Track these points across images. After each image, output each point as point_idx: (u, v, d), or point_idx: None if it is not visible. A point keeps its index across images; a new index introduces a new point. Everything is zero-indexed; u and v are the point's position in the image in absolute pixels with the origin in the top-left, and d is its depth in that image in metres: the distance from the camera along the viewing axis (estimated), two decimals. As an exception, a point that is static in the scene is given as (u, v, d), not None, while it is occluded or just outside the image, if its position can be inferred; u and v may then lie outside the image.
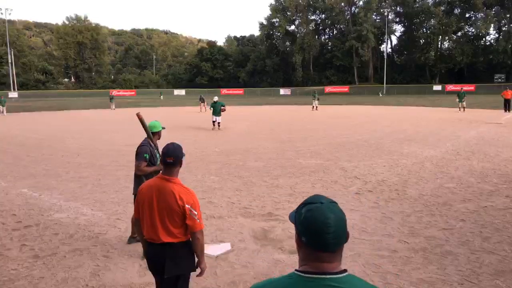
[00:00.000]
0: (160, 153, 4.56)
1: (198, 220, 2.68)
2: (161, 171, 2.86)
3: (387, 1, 79.27)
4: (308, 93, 65.14)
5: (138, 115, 4.46)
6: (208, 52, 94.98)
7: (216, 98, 18.92)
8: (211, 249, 4.65)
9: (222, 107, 18.19)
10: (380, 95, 61.86)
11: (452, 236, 4.95)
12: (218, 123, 18.10)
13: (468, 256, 4.37)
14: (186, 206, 2.63)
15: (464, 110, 26.10)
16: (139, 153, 4.45)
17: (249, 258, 4.45)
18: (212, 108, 18.53)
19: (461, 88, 26.06)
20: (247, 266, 4.27)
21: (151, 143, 4.54)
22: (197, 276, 2.88)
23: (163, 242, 2.69)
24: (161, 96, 63.56)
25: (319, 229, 1.16)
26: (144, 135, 4.61)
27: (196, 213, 2.67)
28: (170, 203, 2.65)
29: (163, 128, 4.77)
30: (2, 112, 29.86)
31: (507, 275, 3.92)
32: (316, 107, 31.98)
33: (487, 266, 4.12)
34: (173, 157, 2.75)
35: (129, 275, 4.09)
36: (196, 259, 2.80)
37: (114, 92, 62.66)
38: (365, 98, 53.38)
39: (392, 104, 38.22)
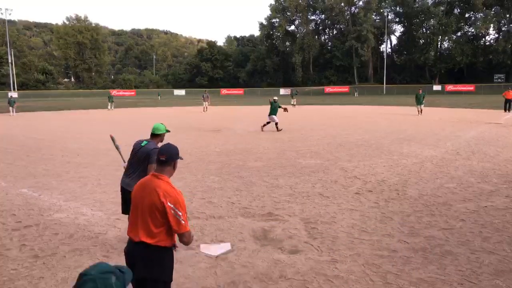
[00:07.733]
0: None
1: (183, 222, 2.58)
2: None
3: (387, 1, 79.36)
4: (308, 93, 65.85)
5: (111, 136, 4.78)
6: (208, 52, 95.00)
7: (276, 98, 17.72)
8: (211, 249, 4.66)
9: (279, 108, 16.96)
10: (356, 95, 62.81)
11: (452, 236, 4.95)
12: (276, 123, 16.77)
13: (468, 256, 4.37)
14: (168, 204, 2.56)
15: (421, 112, 24.30)
16: (154, 155, 4.33)
17: (249, 258, 4.45)
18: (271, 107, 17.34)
19: (420, 90, 25.10)
20: (247, 266, 4.27)
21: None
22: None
23: (139, 241, 2.62)
24: (159, 97, 63.58)
25: None
26: (142, 135, 4.60)
27: (180, 214, 2.58)
28: (153, 199, 2.60)
29: (168, 131, 4.66)
30: (12, 112, 29.52)
31: (507, 275, 3.92)
32: (294, 104, 36.92)
33: (487, 266, 4.11)
34: (166, 155, 2.73)
35: (129, 275, 4.08)
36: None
37: (114, 92, 62.73)
38: (365, 99, 53.36)
39: (392, 104, 38.19)
